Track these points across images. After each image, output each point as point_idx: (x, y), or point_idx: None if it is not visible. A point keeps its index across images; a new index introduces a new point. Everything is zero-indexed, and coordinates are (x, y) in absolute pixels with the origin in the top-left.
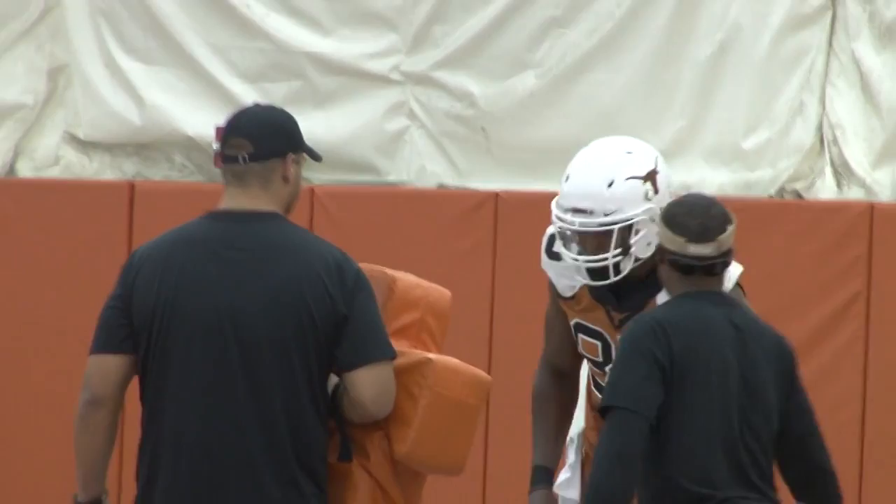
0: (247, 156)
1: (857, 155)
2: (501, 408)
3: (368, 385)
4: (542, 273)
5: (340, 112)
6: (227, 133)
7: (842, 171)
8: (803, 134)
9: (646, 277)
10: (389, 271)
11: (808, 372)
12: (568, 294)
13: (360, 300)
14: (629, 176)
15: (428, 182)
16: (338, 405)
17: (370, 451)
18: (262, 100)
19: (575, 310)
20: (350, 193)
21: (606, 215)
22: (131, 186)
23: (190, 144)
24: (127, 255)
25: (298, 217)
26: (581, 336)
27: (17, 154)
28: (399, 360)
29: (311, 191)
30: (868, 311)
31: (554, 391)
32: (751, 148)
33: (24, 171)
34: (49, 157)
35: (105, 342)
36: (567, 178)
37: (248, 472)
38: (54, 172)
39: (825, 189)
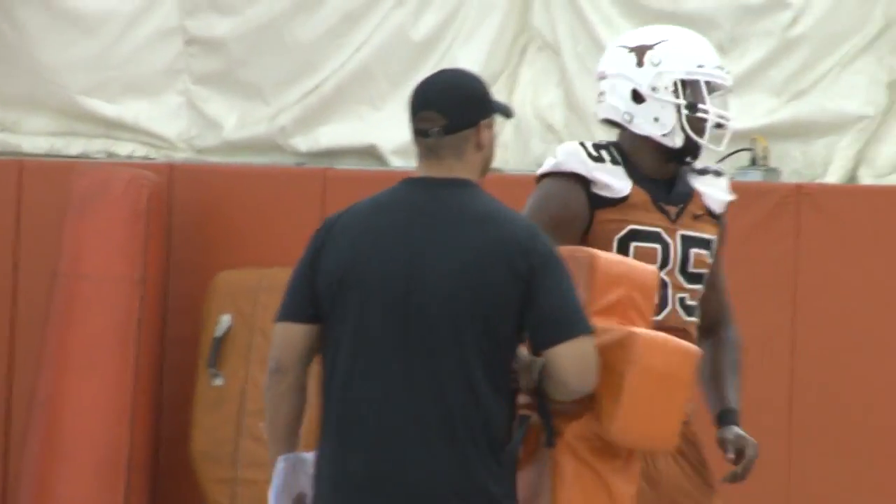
0: (439, 129)
1: None
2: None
3: (569, 362)
4: None
5: None
6: (418, 106)
7: None
8: None
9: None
10: (588, 249)
11: None
12: (625, 192)
13: (549, 277)
14: None
15: None
16: (540, 388)
17: (565, 429)
18: None
19: (629, 216)
20: None
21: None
22: None
23: None
24: None
25: None
26: (634, 245)
27: (859, 161)
28: (604, 337)
29: None
30: None
31: None
32: None
33: (866, 178)
34: (890, 165)
35: (289, 310)
36: (693, 41)
37: (419, 443)
38: (893, 179)
39: None
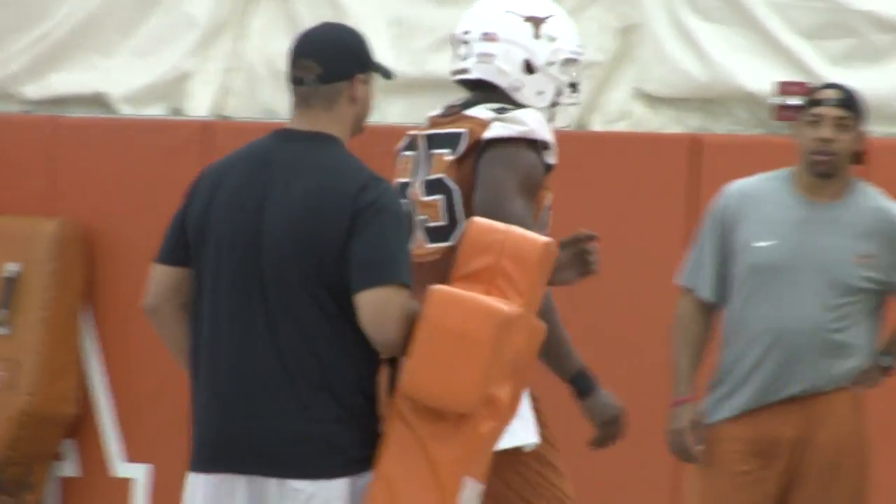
0: (314, 78)
1: None
2: None
3: (365, 310)
4: None
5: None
6: (296, 55)
7: None
8: None
9: None
10: (474, 218)
11: None
12: (554, 160)
13: (368, 226)
14: None
15: None
16: None
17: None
18: (819, 57)
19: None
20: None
21: None
22: (694, 140)
23: (750, 99)
24: (685, 206)
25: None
26: (550, 212)
27: (589, 108)
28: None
29: None
30: None
31: None
32: None
33: (596, 124)
34: (620, 111)
35: (160, 252)
36: (563, 20)
37: (261, 390)
38: (622, 126)
39: None
